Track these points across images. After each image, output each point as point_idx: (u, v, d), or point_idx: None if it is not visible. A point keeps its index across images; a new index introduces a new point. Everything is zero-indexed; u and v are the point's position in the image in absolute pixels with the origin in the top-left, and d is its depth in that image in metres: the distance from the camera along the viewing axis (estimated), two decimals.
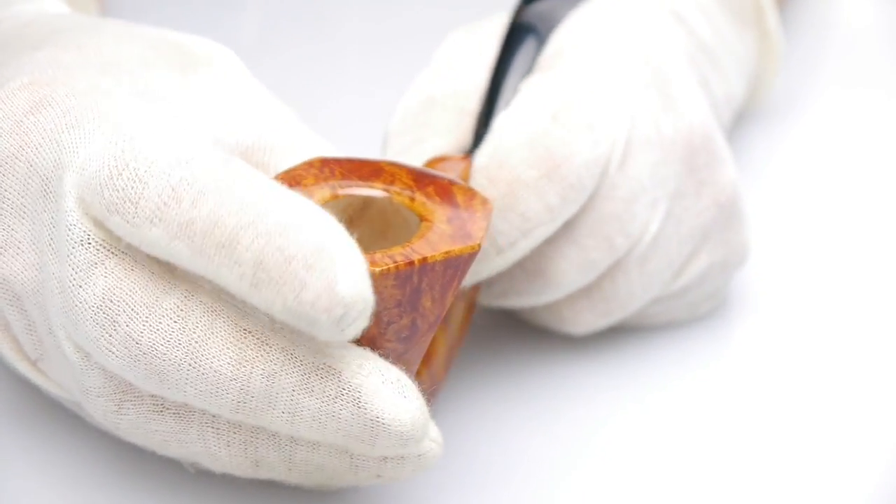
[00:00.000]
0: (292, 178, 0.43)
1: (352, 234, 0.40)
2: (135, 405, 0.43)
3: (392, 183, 0.43)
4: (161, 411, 0.42)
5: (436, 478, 0.47)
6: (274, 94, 0.49)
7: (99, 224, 0.42)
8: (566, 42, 0.51)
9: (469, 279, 0.47)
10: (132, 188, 0.41)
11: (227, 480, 0.46)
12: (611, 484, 0.47)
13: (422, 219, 0.42)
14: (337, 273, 0.38)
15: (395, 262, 0.40)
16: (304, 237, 0.38)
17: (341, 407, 0.40)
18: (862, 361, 0.53)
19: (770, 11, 0.61)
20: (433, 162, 0.47)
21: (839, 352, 0.53)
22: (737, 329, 0.54)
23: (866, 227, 0.60)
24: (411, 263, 0.40)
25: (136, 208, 0.41)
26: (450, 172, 0.47)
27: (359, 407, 0.40)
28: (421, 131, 0.50)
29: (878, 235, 0.60)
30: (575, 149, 0.47)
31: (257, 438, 0.42)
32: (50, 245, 0.43)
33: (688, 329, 0.53)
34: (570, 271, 0.48)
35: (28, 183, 0.44)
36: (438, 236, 0.41)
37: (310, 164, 0.44)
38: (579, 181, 0.47)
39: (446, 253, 0.40)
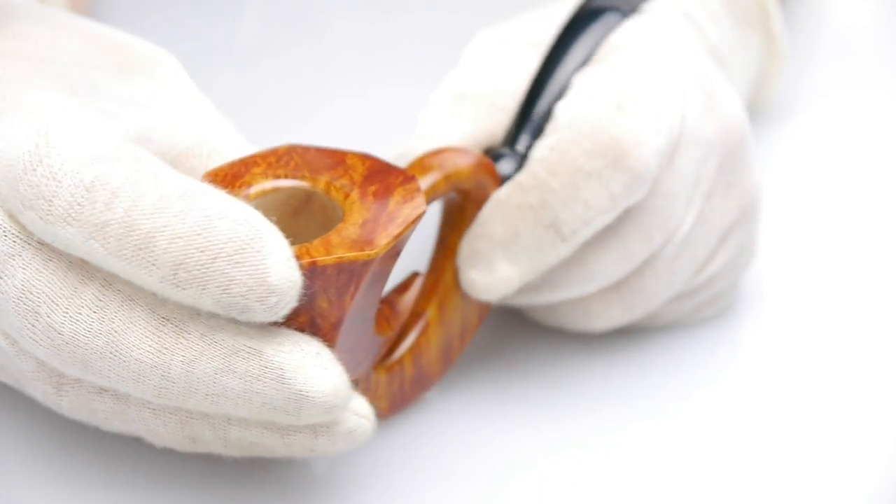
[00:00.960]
0: (243, 164, 0.44)
1: (293, 224, 0.43)
2: (73, 388, 0.43)
3: (342, 176, 0.43)
4: (100, 392, 0.43)
5: (436, 472, 0.47)
6: (267, 96, 0.49)
7: (14, 216, 0.43)
8: (615, 39, 0.51)
9: (537, 268, 0.47)
10: (46, 185, 0.41)
11: (229, 481, 0.46)
12: (612, 485, 0.47)
13: (343, 218, 0.42)
14: (266, 263, 0.39)
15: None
16: (225, 234, 0.39)
17: (265, 385, 0.41)
18: (867, 362, 0.53)
19: (775, 14, 0.61)
20: (440, 152, 0.47)
21: (843, 353, 0.53)
22: (743, 331, 0.54)
23: (867, 227, 0.60)
24: (300, 266, 0.40)
25: (50, 206, 0.41)
26: (452, 161, 0.47)
27: (283, 383, 0.40)
28: (449, 119, 0.50)
29: (879, 236, 0.60)
30: (642, 138, 0.47)
31: (192, 418, 0.43)
32: None
33: (693, 331, 0.53)
34: (610, 262, 0.48)
35: None
36: (341, 240, 0.41)
37: (272, 151, 0.44)
38: (645, 170, 0.47)
39: (339, 258, 0.40)
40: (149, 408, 0.43)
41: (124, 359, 0.41)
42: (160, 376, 0.41)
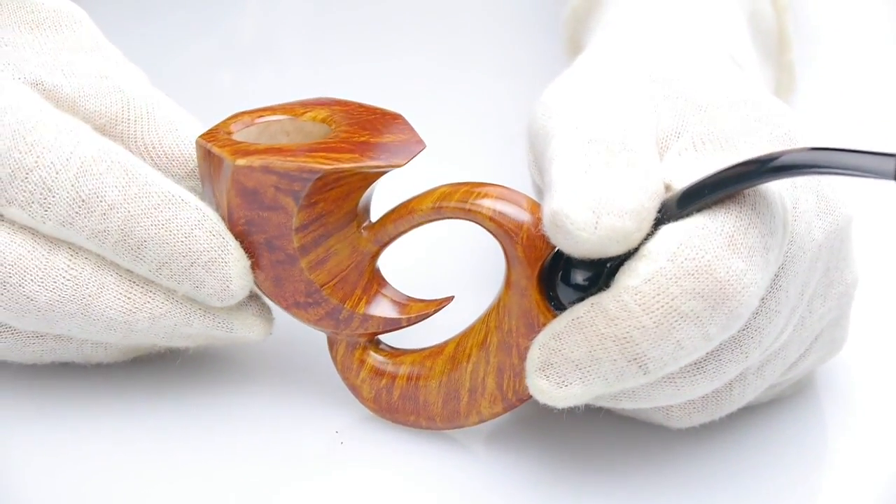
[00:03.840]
0: (308, 105, 0.49)
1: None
2: (13, 335, 0.48)
3: (352, 132, 0.48)
4: (41, 336, 0.48)
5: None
6: (267, 96, 0.50)
7: None
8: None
9: (613, 391, 0.44)
10: (40, 193, 0.45)
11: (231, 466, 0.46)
12: None
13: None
14: (230, 274, 0.46)
15: (211, 140, 0.47)
16: (202, 244, 0.46)
17: (217, 333, 0.48)
18: None
19: (793, 44, 0.60)
20: (488, 186, 0.46)
21: None
22: (820, 403, 0.51)
23: (872, 230, 0.60)
24: (211, 146, 0.47)
25: (46, 212, 0.45)
26: (484, 198, 0.46)
27: (231, 331, 0.48)
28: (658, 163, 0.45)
29: (882, 236, 0.60)
30: (748, 279, 0.42)
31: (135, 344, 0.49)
32: None
33: (772, 408, 0.51)
34: (701, 384, 0.45)
35: None
36: (245, 146, 0.47)
37: (366, 108, 0.49)
38: (746, 311, 0.43)
39: (220, 149, 0.46)
40: (91, 342, 0.48)
41: (95, 318, 0.46)
42: (127, 329, 0.47)
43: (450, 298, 0.48)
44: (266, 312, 0.49)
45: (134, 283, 0.47)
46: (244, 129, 0.48)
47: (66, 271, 0.46)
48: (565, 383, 0.43)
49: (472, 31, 0.74)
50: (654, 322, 0.42)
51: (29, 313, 0.46)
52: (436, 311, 0.48)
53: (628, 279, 0.43)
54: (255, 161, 0.46)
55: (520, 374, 0.46)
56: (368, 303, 0.48)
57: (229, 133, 0.48)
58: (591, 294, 0.44)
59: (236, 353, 0.52)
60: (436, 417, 0.48)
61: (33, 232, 0.46)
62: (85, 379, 0.50)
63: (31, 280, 0.46)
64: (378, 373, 0.48)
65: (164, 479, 0.47)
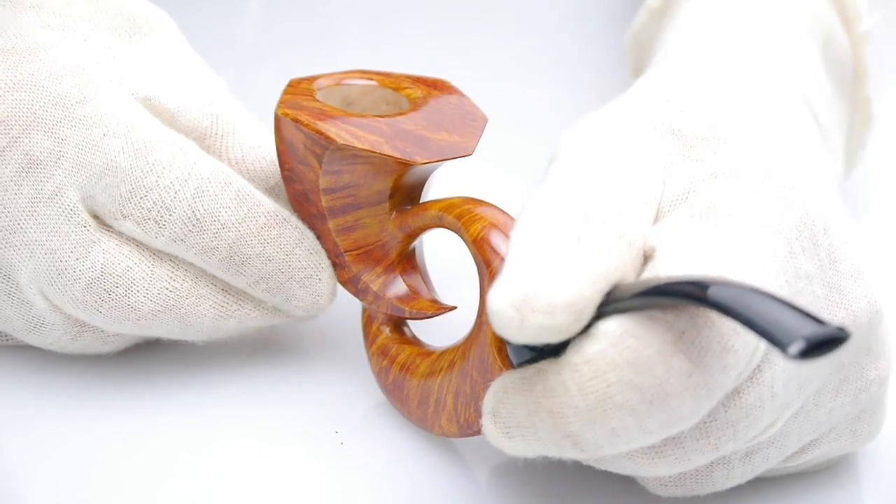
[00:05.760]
0: (402, 79, 0.51)
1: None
2: (93, 333, 0.50)
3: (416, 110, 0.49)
4: (118, 334, 0.50)
5: None
6: (267, 96, 0.51)
7: (92, 208, 0.47)
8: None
9: (551, 454, 0.42)
10: (157, 211, 0.47)
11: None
12: None
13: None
14: (322, 291, 0.50)
15: (291, 85, 0.50)
16: (301, 261, 0.49)
17: (286, 322, 0.51)
18: None
19: (870, 77, 0.58)
20: (483, 205, 0.46)
21: None
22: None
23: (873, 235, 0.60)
24: (285, 89, 0.49)
25: (160, 228, 0.47)
26: (476, 219, 0.46)
27: (300, 322, 0.51)
28: (575, 246, 0.41)
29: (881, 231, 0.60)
30: (693, 382, 0.39)
31: None
32: (32, 214, 0.47)
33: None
34: (662, 466, 0.42)
35: (6, 155, 0.46)
36: (315, 103, 0.48)
37: (440, 85, 0.51)
38: (690, 413, 0.40)
39: (286, 116, 0.48)
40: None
41: (189, 325, 0.49)
42: (213, 332, 0.49)
43: (453, 307, 0.49)
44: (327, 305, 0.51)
45: (228, 292, 0.49)
46: (330, 85, 0.50)
47: (168, 283, 0.48)
48: (510, 436, 0.42)
49: (477, 31, 0.74)
50: (587, 405, 0.40)
51: (128, 321, 0.48)
52: (434, 315, 0.48)
53: (573, 354, 0.40)
54: (290, 114, 0.47)
55: (469, 404, 0.45)
56: (385, 283, 0.48)
57: (312, 90, 0.49)
58: (543, 357, 0.42)
59: (236, 352, 0.52)
60: (412, 414, 0.48)
61: (138, 244, 0.48)
62: (82, 370, 0.50)
63: (137, 291, 0.48)
64: (383, 352, 0.49)
65: (163, 477, 0.47)
